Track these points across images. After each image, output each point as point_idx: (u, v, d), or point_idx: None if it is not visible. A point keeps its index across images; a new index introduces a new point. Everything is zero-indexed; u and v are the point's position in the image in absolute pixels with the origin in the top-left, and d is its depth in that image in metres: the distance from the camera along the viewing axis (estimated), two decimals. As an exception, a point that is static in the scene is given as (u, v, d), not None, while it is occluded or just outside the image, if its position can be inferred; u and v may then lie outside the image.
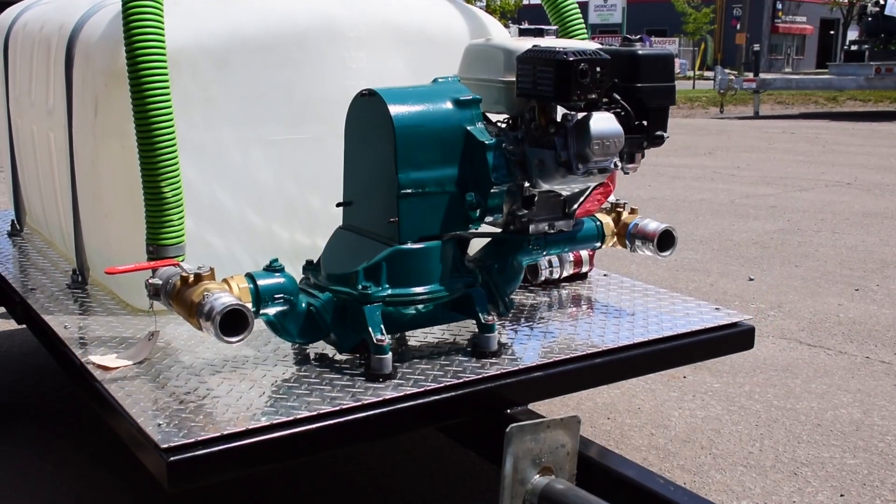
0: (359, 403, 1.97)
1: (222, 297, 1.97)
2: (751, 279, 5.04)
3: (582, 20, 2.80)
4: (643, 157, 2.38)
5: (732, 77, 20.08)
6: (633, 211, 2.70)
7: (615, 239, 2.67)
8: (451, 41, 2.83)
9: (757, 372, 3.50)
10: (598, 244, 2.65)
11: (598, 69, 2.12)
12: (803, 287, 4.87)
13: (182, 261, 2.30)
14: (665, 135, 2.33)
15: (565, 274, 2.88)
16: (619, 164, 2.32)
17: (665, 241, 2.60)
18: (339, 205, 2.37)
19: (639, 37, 2.32)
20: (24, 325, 2.85)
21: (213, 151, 2.52)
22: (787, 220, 6.84)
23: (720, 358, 2.79)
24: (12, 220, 3.62)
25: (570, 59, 2.08)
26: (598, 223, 2.64)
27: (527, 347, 2.33)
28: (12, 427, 3.14)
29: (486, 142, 2.19)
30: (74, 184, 2.74)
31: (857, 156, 11.14)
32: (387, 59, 2.73)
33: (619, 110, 2.26)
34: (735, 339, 2.54)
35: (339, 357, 2.24)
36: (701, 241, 6.13)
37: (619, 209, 2.69)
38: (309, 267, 2.34)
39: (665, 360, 2.48)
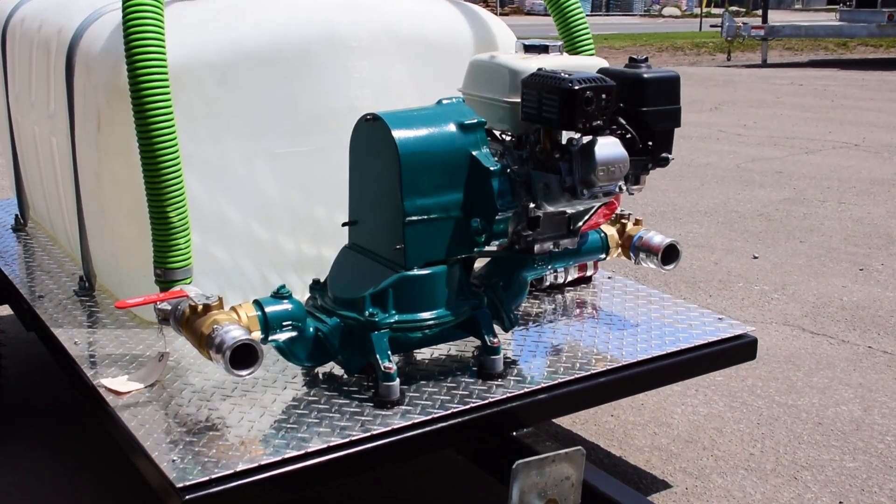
0: (368, 434, 2.01)
1: (232, 331, 1.99)
2: (755, 257, 5.05)
3: (590, 33, 2.77)
4: (648, 174, 2.39)
5: (740, 24, 19.80)
6: (637, 222, 2.71)
7: (619, 250, 2.69)
8: (454, 45, 2.82)
9: (760, 363, 3.53)
10: (603, 256, 2.67)
11: (603, 96, 2.12)
12: (807, 266, 4.88)
13: (189, 283, 2.32)
14: (670, 157, 2.33)
15: (570, 278, 2.91)
16: (624, 187, 2.33)
17: (669, 255, 2.61)
18: (344, 224, 2.38)
19: (644, 57, 2.30)
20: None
21: (217, 166, 2.53)
22: (793, 189, 6.82)
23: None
24: (16, 215, 3.62)
25: (576, 87, 2.07)
26: (603, 235, 2.66)
27: (532, 366, 2.35)
28: (22, 425, 3.17)
29: (492, 168, 2.19)
30: (79, 193, 2.74)
31: (865, 112, 11.05)
32: (390, 66, 2.71)
33: (623, 132, 2.26)
34: (737, 351, 2.57)
35: (346, 377, 2.27)
36: (706, 212, 6.13)
37: (623, 220, 2.70)
38: (315, 287, 2.36)
39: (668, 376, 2.51)
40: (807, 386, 3.38)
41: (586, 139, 2.17)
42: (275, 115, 2.57)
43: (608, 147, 2.17)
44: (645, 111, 2.25)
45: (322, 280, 2.37)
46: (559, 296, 2.89)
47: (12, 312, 3.11)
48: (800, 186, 6.90)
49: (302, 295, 2.71)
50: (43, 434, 3.12)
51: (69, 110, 2.67)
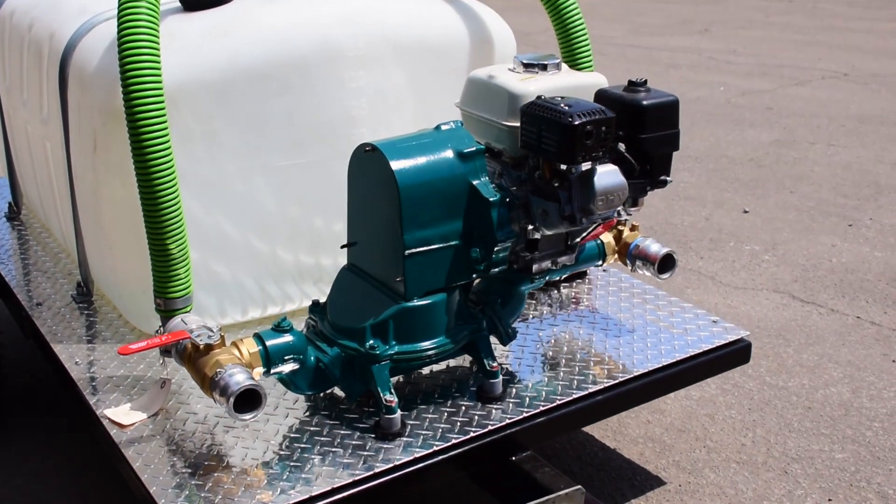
0: (371, 472, 2.05)
1: (236, 375, 2.01)
2: (745, 211, 5.07)
3: (589, 42, 2.72)
4: (645, 196, 2.38)
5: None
6: (633, 228, 2.71)
7: (616, 256, 2.70)
8: (451, 47, 2.77)
9: (752, 338, 3.56)
10: (600, 263, 2.69)
11: (602, 128, 2.10)
12: (797, 222, 4.90)
13: (189, 310, 2.33)
14: (668, 179, 2.32)
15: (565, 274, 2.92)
16: (623, 211, 2.33)
17: (665, 264, 2.63)
18: (343, 246, 2.38)
19: (643, 80, 2.27)
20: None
21: (215, 183, 2.50)
22: (783, 128, 6.79)
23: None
24: (9, 203, 3.59)
25: (576, 122, 2.05)
26: (599, 242, 2.66)
27: (530, 385, 2.38)
28: (24, 423, 3.19)
29: (491, 199, 2.18)
30: (75, 206, 2.72)
31: (854, 34, 10.92)
32: (386, 73, 2.67)
33: (622, 158, 2.25)
34: (732, 357, 2.62)
35: (347, 403, 2.30)
36: (696, 158, 6.12)
37: (620, 227, 2.70)
38: (315, 309, 2.37)
39: (664, 388, 2.55)
40: (797, 364, 3.44)
41: (585, 166, 2.16)
42: (271, 130, 2.54)
43: (607, 176, 2.17)
44: (644, 138, 2.23)
45: (321, 302, 2.38)
46: (554, 292, 2.91)
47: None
48: (790, 125, 6.87)
49: (300, 303, 2.74)
50: (43, 432, 3.14)
51: (64, 124, 2.62)
